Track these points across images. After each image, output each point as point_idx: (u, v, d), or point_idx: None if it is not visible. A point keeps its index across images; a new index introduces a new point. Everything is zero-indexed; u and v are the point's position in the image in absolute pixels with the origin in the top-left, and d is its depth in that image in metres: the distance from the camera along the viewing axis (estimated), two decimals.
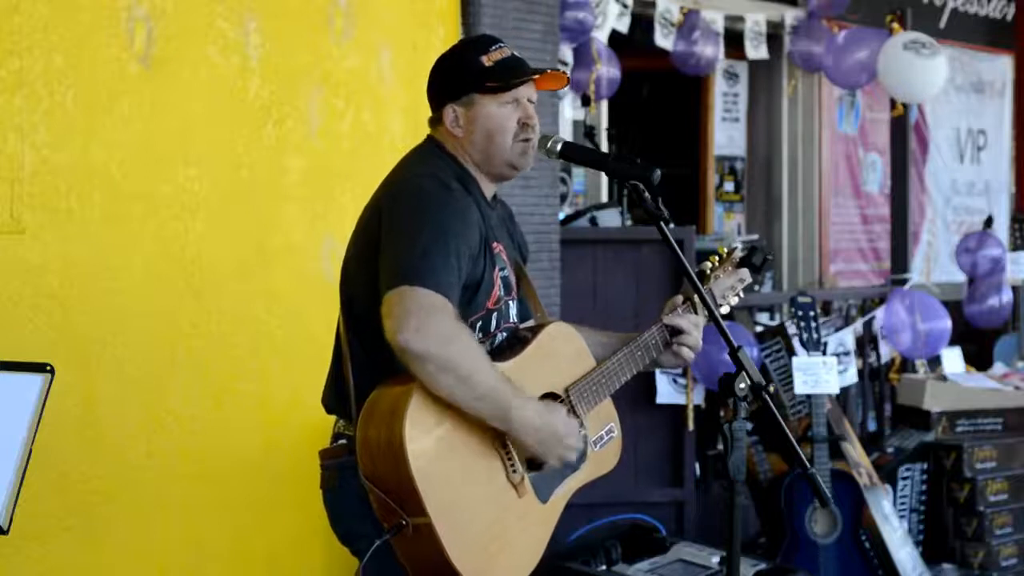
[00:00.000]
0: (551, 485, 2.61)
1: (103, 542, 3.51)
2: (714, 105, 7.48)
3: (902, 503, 5.57)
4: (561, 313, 4.50)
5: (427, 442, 2.38)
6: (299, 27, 3.98)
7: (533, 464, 2.56)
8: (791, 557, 4.85)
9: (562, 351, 2.68)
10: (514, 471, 2.51)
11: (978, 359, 7.06)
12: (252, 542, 3.87)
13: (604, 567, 4.32)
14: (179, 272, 3.67)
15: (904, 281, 6.34)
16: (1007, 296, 6.98)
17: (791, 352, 5.30)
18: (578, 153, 2.78)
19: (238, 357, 3.82)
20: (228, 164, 3.79)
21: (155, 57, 3.61)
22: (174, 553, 3.68)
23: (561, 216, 5.11)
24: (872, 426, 6.14)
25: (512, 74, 2.62)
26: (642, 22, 6.32)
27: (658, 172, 2.56)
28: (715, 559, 4.34)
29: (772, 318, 6.52)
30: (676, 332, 2.78)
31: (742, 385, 2.50)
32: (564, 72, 2.76)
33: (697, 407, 5.06)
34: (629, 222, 5.49)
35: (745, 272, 2.97)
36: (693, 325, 2.79)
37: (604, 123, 6.33)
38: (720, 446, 3.47)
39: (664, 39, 6.32)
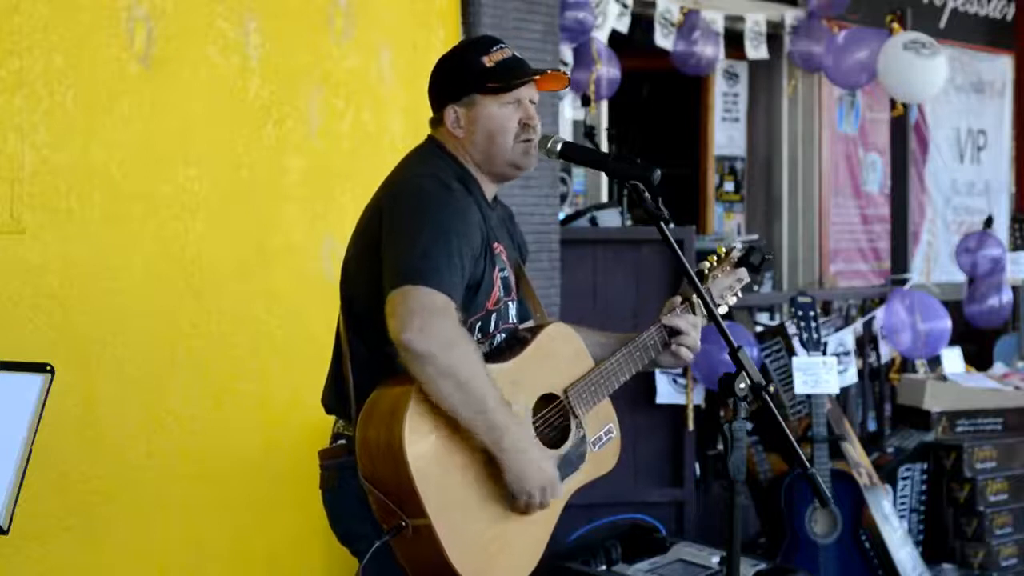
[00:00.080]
0: None
1: (103, 542, 3.51)
2: (714, 105, 7.47)
3: (902, 503, 5.57)
4: (561, 313, 4.49)
5: (427, 443, 2.38)
6: (299, 27, 3.98)
7: None
8: (791, 557, 4.85)
9: (561, 352, 2.68)
10: None
11: (978, 359, 7.06)
12: (252, 542, 3.87)
13: (604, 567, 4.32)
14: (179, 272, 3.67)
15: (904, 281, 6.33)
16: (1007, 296, 6.98)
17: (791, 352, 5.29)
18: (578, 153, 2.77)
19: (238, 357, 3.82)
20: (228, 164, 3.79)
21: (155, 57, 3.61)
22: (174, 553, 3.68)
23: (561, 216, 5.10)
24: (872, 426, 6.13)
25: (513, 75, 2.62)
26: (642, 22, 6.31)
27: (658, 172, 2.56)
28: (715, 559, 4.34)
29: (772, 318, 6.51)
30: (675, 333, 2.78)
31: (742, 385, 2.50)
32: (565, 72, 2.76)
33: (697, 407, 5.06)
34: (629, 222, 5.48)
35: (743, 272, 2.96)
36: (691, 326, 2.79)
37: (604, 123, 6.33)
38: (720, 446, 3.48)
39: (664, 39, 6.31)
